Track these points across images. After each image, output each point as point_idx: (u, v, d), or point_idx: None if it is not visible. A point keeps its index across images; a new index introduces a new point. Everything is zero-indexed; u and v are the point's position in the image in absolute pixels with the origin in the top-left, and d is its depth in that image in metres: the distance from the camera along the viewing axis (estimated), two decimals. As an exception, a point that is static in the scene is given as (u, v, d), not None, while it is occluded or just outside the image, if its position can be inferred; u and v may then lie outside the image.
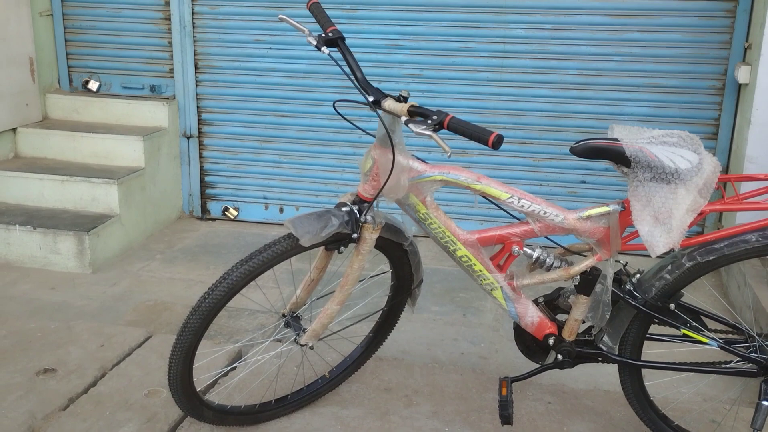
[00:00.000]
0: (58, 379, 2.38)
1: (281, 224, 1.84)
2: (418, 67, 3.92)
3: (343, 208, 1.94)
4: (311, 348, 2.14)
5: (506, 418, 1.96)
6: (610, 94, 3.77)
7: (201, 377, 2.30)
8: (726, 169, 3.68)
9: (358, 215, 1.93)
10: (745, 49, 3.56)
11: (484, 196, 1.91)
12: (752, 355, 1.94)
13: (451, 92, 3.92)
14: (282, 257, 1.90)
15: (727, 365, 1.99)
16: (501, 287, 1.99)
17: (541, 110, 3.86)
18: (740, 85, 3.57)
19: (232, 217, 4.30)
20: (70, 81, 4.39)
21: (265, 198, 4.25)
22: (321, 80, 4.00)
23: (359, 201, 1.95)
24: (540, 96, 3.84)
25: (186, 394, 1.99)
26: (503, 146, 3.87)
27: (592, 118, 3.78)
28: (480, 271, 1.98)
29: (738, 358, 1.96)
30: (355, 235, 1.94)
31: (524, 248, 1.94)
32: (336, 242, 1.96)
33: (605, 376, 2.32)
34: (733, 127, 3.66)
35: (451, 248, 1.98)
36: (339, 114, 1.93)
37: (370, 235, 1.97)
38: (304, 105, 4.06)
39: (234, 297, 1.90)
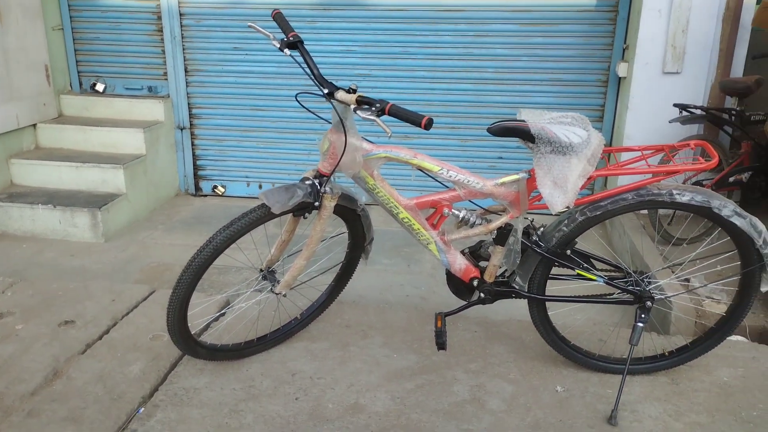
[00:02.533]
0: (77, 329, 2.30)
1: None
2: (367, 68, 3.85)
3: (307, 182, 1.89)
4: (284, 296, 2.09)
5: (441, 345, 1.95)
6: (520, 87, 3.75)
7: (196, 322, 2.24)
8: (609, 144, 3.72)
9: (318, 187, 1.88)
10: (624, 50, 3.58)
11: (420, 169, 1.87)
12: (630, 288, 1.97)
13: (395, 87, 3.86)
14: (257, 223, 1.84)
15: (611, 297, 2.03)
16: (435, 242, 1.97)
17: (467, 101, 3.83)
18: (620, 78, 3.60)
19: (220, 194, 4.19)
20: (80, 84, 4.18)
21: (246, 177, 4.15)
22: (289, 79, 3.90)
23: (320, 176, 1.90)
24: (465, 90, 3.81)
25: (183, 336, 1.93)
26: (437, 130, 3.90)
27: (507, 107, 3.78)
28: (418, 229, 1.96)
29: (619, 291, 1.99)
30: (316, 204, 1.90)
31: (453, 210, 1.93)
32: (301, 210, 1.91)
33: (519, 309, 2.32)
34: (614, 112, 3.70)
35: (395, 212, 1.94)
36: (300, 104, 1.87)
37: (329, 203, 1.92)
38: (277, 100, 3.96)
39: (219, 256, 1.84)
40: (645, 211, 3.37)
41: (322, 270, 2.28)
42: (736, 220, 1.80)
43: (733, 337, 2.44)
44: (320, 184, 1.88)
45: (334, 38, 3.82)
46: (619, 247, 3.33)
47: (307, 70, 1.80)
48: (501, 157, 3.89)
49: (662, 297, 2.04)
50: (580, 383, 2.06)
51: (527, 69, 3.71)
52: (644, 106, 3.37)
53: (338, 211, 2.00)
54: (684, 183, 3.15)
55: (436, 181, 1.94)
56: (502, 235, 1.94)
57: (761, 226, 1.82)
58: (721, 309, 2.43)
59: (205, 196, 4.22)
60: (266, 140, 4.06)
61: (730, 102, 3.33)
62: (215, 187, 4.19)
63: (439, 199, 1.93)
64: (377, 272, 3.12)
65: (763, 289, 1.91)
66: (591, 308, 2.66)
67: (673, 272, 2.60)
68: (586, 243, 2.19)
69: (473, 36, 3.70)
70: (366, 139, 1.87)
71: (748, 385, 2.07)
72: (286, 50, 1.81)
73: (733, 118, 3.22)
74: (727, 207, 1.79)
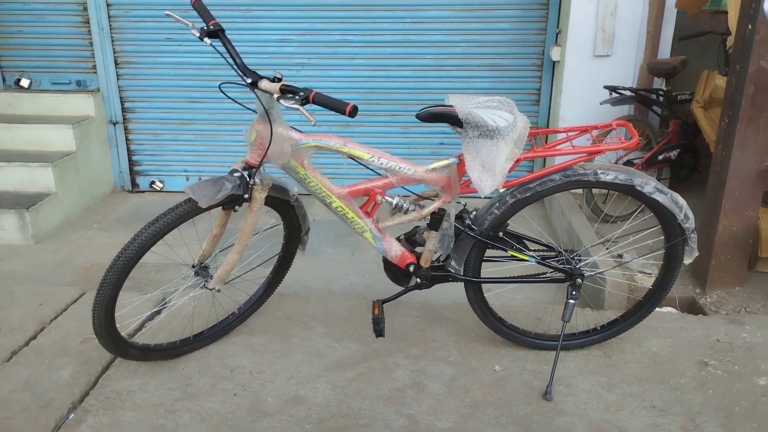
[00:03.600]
0: (2, 336, 2.19)
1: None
2: (305, 57, 3.79)
3: (235, 174, 1.84)
4: (218, 291, 2.04)
5: (379, 332, 1.95)
6: (459, 73, 3.77)
7: (128, 322, 2.17)
8: (547, 126, 3.78)
9: (248, 179, 1.84)
10: (557, 34, 3.63)
11: (351, 157, 1.85)
12: (561, 266, 2.01)
13: (334, 76, 3.82)
14: (184, 218, 1.78)
15: (543, 276, 2.06)
16: (370, 229, 1.96)
17: (407, 88, 3.82)
18: (554, 62, 3.65)
19: (159, 189, 4.07)
20: (4, 80, 3.97)
21: (185, 171, 4.04)
22: (225, 70, 3.77)
23: (249, 167, 1.86)
24: (405, 77, 3.80)
25: (111, 338, 1.87)
26: (379, 118, 3.88)
27: (446, 93, 3.75)
28: (352, 218, 1.94)
29: (551, 270, 2.03)
30: (246, 196, 1.85)
31: (386, 197, 1.92)
32: (231, 202, 1.86)
33: (459, 292, 2.32)
34: (550, 95, 3.76)
35: (328, 201, 1.92)
36: (225, 94, 1.82)
37: (259, 195, 1.88)
38: (214, 91, 3.85)
39: (156, 252, 1.78)
40: (581, 191, 3.45)
41: (258, 263, 2.24)
42: (658, 197, 1.84)
43: (663, 309, 2.53)
44: (249, 175, 1.84)
45: (270, 27, 3.74)
46: (558, 226, 3.40)
47: (229, 60, 1.75)
48: (442, 143, 3.91)
49: (592, 273, 2.08)
50: (518, 362, 2.10)
51: (465, 55, 3.72)
52: (577, 89, 3.44)
53: (270, 202, 1.96)
54: (615, 163, 3.24)
55: (369, 169, 1.92)
56: (436, 220, 1.94)
57: (682, 201, 1.88)
58: (652, 283, 2.51)
59: (143, 192, 4.09)
60: (205, 132, 3.95)
61: (658, 83, 3.43)
62: (153, 182, 4.07)
63: (372, 186, 1.91)
64: (321, 262, 3.09)
65: (686, 261, 1.98)
66: (529, 287, 2.71)
67: (606, 248, 2.68)
68: (524, 224, 2.23)
69: (411, 23, 3.69)
70: (295, 129, 1.84)
71: (676, 354, 2.15)
72: (207, 39, 1.76)
73: (660, 98, 3.33)
74: (648, 184, 1.83)
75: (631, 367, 2.08)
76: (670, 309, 2.55)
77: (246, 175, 1.84)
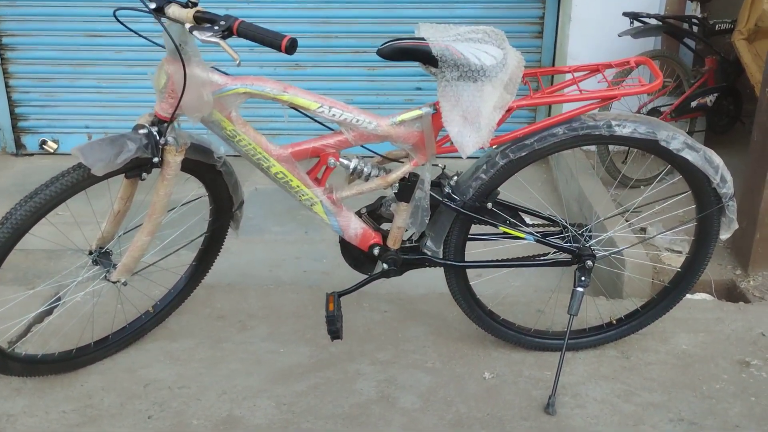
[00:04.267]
0: None
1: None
2: (240, -24, 3.68)
3: (141, 131, 1.78)
4: (125, 284, 1.99)
5: (334, 333, 1.93)
6: (439, -3, 3.70)
7: (6, 326, 2.11)
8: (553, 65, 3.75)
9: (157, 137, 1.77)
10: (564, -55, 3.57)
11: (294, 107, 1.80)
12: (566, 245, 1.99)
13: (279, 1, 3.72)
14: (73, 190, 1.72)
15: (545, 257, 2.06)
16: (321, 201, 1.92)
17: (373, 17, 3.75)
18: (561, -18, 3.61)
19: (52, 151, 3.96)
20: None
21: (87, 127, 3.93)
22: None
23: (159, 121, 1.79)
24: (370, 3, 3.71)
25: (-20, 349, 1.80)
26: (338, 56, 3.81)
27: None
28: (297, 186, 1.90)
29: (554, 250, 2.02)
30: (156, 159, 1.79)
31: (340, 159, 1.88)
32: (136, 168, 1.80)
33: (440, 279, 2.33)
34: (556, 26, 3.71)
35: (265, 165, 1.87)
36: (122, 24, 1.74)
37: (174, 158, 1.82)
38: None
39: (24, 237, 1.71)
40: (593, 148, 3.45)
41: (178, 246, 2.18)
42: (688, 154, 1.83)
43: (695, 296, 2.56)
44: (159, 132, 1.78)
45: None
46: (567, 194, 3.40)
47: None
48: (419, 88, 3.86)
49: (606, 254, 2.08)
50: (513, 366, 2.10)
51: (448, -27, 3.66)
52: (591, 17, 3.40)
53: (189, 167, 1.91)
54: (637, 112, 3.23)
55: (317, 122, 1.88)
56: (406, 188, 1.91)
57: (718, 160, 1.88)
58: (682, 263, 2.53)
59: (31, 155, 4.00)
60: (110, 77, 3.85)
61: (691, 8, 3.41)
62: (44, 142, 3.96)
63: (323, 145, 1.87)
64: (266, 244, 3.07)
65: (723, 235, 1.99)
66: (528, 272, 2.70)
67: (625, 221, 2.68)
68: (521, 191, 2.22)
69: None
70: (218, 70, 1.77)
71: (710, 352, 2.17)
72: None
73: (694, 28, 3.31)
74: (676, 139, 1.82)
75: (654, 369, 2.10)
76: (704, 296, 2.58)
77: (155, 133, 1.77)
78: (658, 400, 1.98)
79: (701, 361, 2.13)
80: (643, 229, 2.89)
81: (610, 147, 3.25)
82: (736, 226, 1.96)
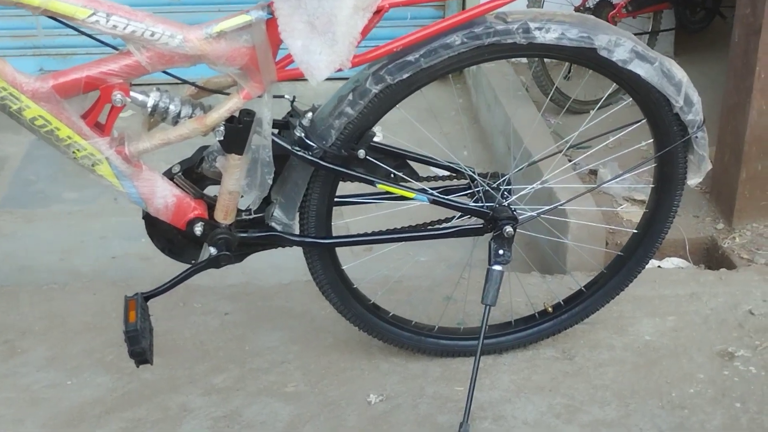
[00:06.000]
0: None
1: None
2: None
3: None
4: None
5: (140, 356, 1.87)
6: None
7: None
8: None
9: None
10: None
11: (52, 17, 1.68)
12: (474, 206, 1.99)
13: None
14: None
15: (443, 226, 2.07)
16: (107, 159, 1.82)
17: None
18: None
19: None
20: None
21: None
22: None
23: None
24: None
25: None
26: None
27: None
28: (68, 138, 1.79)
29: (459, 213, 2.03)
30: None
31: (132, 94, 1.78)
32: None
33: (301, 263, 2.31)
34: None
35: (14, 107, 1.75)
36: None
37: None
38: None
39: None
40: (525, 60, 3.46)
41: None
42: (638, 67, 1.82)
43: (664, 262, 2.63)
44: None
45: None
46: (490, 125, 3.41)
47: None
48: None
49: (533, 215, 2.07)
50: (411, 382, 2.11)
51: None
52: None
53: None
54: (580, 7, 3.22)
55: (92, 38, 1.77)
56: (236, 133, 1.84)
57: (680, 74, 1.87)
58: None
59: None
60: None
61: None
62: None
63: (102, 73, 1.76)
64: (57, 218, 3.08)
65: (692, 181, 2.02)
66: (438, 242, 2.67)
67: (569, 160, 2.72)
68: (412, 131, 2.16)
69: None
70: None
71: (682, 343, 2.22)
72: None
73: None
74: (621, 46, 1.81)
75: (607, 373, 2.13)
76: (675, 262, 2.64)
77: None
78: (613, 416, 2.00)
79: (670, 356, 2.17)
80: (593, 172, 2.89)
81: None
82: (708, 166, 1.98)
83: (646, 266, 2.17)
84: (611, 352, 2.17)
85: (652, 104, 1.90)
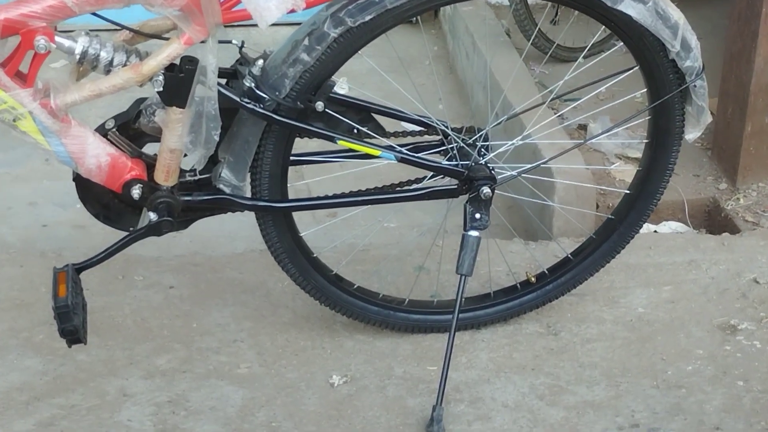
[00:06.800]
0: None
1: None
2: None
3: None
4: None
5: (71, 334, 1.85)
6: None
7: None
8: None
9: None
10: None
11: None
12: (446, 164, 2.00)
13: None
14: None
15: (419, 185, 2.07)
16: (30, 113, 1.80)
17: None
18: None
19: None
20: None
21: None
22: None
23: None
24: None
25: None
26: None
27: None
28: None
29: (431, 172, 2.03)
30: None
31: (57, 39, 1.76)
32: None
33: (255, 230, 2.32)
34: None
35: None
36: None
37: None
38: None
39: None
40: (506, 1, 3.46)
41: None
42: (629, 8, 1.82)
43: (661, 226, 2.64)
44: None
45: None
46: (469, 75, 3.40)
47: None
48: None
49: (514, 174, 2.07)
50: (378, 362, 2.13)
51: None
52: None
53: None
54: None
55: None
56: (177, 82, 1.83)
57: (677, 15, 1.87)
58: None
59: None
60: None
61: None
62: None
63: (22, 16, 1.73)
64: None
65: (690, 135, 2.04)
66: (410, 205, 2.67)
67: (555, 113, 2.73)
68: (381, 83, 2.14)
69: None
70: None
71: (679, 316, 2.24)
72: None
73: None
74: None
75: (595, 350, 2.14)
76: (674, 226, 2.65)
77: None
78: (602, 397, 2.01)
79: (665, 330, 2.18)
80: (582, 127, 2.89)
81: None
82: (708, 118, 1.99)
83: (640, 231, 2.19)
84: (600, 326, 2.18)
85: (646, 49, 1.90)
